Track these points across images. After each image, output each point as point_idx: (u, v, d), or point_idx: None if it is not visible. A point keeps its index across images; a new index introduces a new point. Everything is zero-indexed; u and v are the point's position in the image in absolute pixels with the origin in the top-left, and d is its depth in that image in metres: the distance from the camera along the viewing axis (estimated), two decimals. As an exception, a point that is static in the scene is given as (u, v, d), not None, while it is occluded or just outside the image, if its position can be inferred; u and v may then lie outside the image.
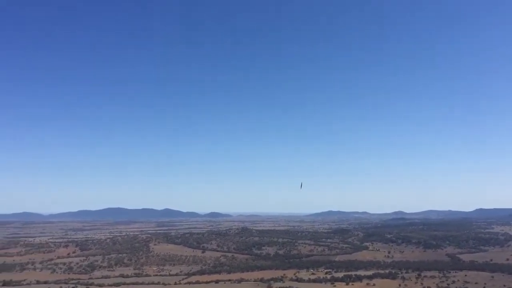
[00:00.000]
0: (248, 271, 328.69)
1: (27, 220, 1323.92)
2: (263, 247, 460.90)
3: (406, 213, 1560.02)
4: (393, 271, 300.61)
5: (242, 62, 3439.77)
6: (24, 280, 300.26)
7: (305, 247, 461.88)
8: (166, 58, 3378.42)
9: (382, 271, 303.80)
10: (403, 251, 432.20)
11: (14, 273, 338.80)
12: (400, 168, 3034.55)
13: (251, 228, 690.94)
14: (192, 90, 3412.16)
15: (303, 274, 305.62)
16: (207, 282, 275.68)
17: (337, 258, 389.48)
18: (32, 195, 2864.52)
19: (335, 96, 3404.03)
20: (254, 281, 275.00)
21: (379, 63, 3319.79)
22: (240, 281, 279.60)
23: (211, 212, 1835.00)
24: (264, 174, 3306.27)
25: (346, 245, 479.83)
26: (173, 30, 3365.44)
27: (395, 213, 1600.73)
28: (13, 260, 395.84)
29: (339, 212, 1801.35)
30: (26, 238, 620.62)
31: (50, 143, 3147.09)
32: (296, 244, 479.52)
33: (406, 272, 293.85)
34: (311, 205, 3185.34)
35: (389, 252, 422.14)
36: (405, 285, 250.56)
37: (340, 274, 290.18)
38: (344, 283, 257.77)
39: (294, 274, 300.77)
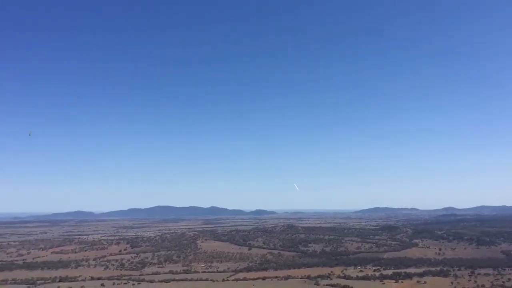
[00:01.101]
0: (294, 268, 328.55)
1: (81, 218, 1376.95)
2: (309, 244, 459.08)
3: (457, 209, 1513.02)
4: (445, 269, 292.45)
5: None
6: (79, 276, 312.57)
7: (352, 244, 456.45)
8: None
9: (433, 269, 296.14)
10: (455, 248, 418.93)
11: (69, 269, 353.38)
12: (451, 163, 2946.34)
13: (296, 225, 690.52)
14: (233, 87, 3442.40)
15: (351, 271, 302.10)
16: (254, 279, 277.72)
17: (385, 255, 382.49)
18: (85, 194, 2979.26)
19: (383, 90, 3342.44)
20: (301, 278, 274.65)
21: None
22: (287, 278, 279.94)
23: (257, 210, 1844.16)
24: (310, 171, 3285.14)
25: (395, 242, 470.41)
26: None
27: (446, 209, 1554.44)
28: (69, 257, 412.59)
29: (386, 209, 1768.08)
30: (80, 236, 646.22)
31: (101, 144, 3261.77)
32: (342, 241, 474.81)
33: (458, 270, 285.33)
34: (358, 202, 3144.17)
35: (440, 249, 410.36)
36: (458, 283, 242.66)
37: (389, 272, 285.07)
38: (393, 281, 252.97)
39: (342, 272, 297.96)
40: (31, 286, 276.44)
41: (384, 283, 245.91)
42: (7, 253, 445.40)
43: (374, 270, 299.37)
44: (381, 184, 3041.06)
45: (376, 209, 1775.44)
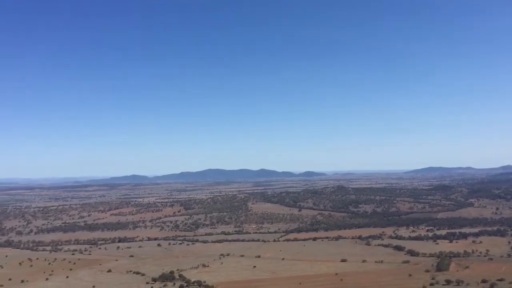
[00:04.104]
0: (345, 229, 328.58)
1: (136, 182, 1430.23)
2: (359, 205, 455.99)
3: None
4: (502, 228, 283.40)
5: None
6: (137, 236, 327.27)
7: (404, 204, 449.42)
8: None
9: (489, 228, 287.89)
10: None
11: (127, 230, 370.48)
12: (508, 118, 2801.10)
13: (347, 186, 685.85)
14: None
15: (403, 231, 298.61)
16: (305, 239, 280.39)
17: (439, 216, 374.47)
18: (140, 159, 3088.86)
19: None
20: (352, 239, 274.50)
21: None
22: (337, 238, 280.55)
23: (306, 171, 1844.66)
24: (360, 131, 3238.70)
25: (449, 202, 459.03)
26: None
27: (504, 167, 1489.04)
28: (126, 219, 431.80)
29: (440, 168, 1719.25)
30: (136, 199, 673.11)
31: (155, 110, 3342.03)
32: (394, 201, 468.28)
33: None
34: (410, 162, 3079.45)
35: (497, 209, 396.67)
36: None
37: (443, 232, 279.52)
38: (447, 241, 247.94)
39: (394, 232, 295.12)
40: (92, 246, 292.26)
41: (437, 243, 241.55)
42: (70, 215, 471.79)
43: (427, 230, 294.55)
44: (434, 143, 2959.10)
45: (429, 169, 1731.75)
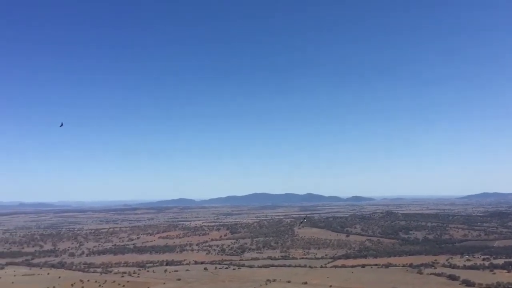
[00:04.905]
0: (395, 256, 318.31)
1: (183, 205, 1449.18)
2: (410, 232, 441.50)
3: None
4: None
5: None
6: (184, 260, 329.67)
7: (457, 231, 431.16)
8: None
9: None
10: None
11: (175, 253, 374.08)
12: None
13: (396, 211, 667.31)
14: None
15: (457, 260, 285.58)
16: (353, 266, 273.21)
17: (495, 244, 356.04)
18: (187, 183, 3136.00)
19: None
20: (402, 267, 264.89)
21: None
22: (387, 266, 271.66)
23: (353, 196, 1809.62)
24: (410, 155, 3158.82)
25: (506, 230, 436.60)
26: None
27: None
28: (174, 242, 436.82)
29: (495, 194, 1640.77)
30: (183, 222, 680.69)
31: (202, 136, 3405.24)
32: (447, 228, 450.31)
33: None
34: (464, 187, 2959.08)
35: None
36: None
37: (500, 261, 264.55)
38: (505, 271, 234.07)
39: (447, 260, 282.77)
40: (141, 268, 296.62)
41: (495, 273, 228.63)
42: (120, 238, 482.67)
43: (483, 259, 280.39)
44: (489, 168, 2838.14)
45: (484, 195, 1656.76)
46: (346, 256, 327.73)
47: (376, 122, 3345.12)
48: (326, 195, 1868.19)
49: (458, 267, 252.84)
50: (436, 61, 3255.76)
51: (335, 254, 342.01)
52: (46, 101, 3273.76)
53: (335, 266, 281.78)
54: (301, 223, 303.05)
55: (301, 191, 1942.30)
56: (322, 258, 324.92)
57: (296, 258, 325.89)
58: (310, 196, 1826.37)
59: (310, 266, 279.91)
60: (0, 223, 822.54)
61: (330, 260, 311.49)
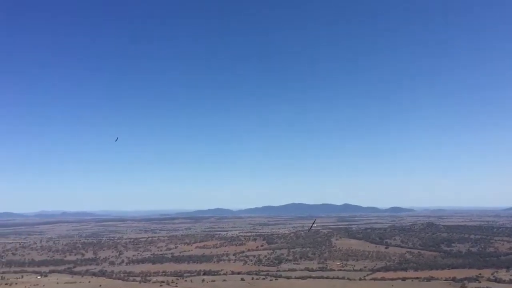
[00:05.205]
0: (437, 269, 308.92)
1: (220, 215, 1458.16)
2: (452, 244, 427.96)
3: None
4: None
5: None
6: (221, 270, 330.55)
7: (503, 244, 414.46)
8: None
9: None
10: None
11: (212, 263, 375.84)
12: None
13: (437, 223, 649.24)
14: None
15: (503, 274, 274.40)
16: (393, 279, 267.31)
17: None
18: (224, 193, 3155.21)
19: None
20: (445, 280, 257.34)
21: None
22: (429, 279, 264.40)
23: (392, 207, 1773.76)
24: (451, 164, 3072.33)
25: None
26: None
27: None
28: (211, 252, 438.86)
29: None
30: (220, 232, 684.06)
31: (238, 145, 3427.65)
32: (492, 241, 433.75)
33: None
34: (509, 198, 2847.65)
35: None
36: None
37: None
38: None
39: (492, 274, 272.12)
40: (179, 278, 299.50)
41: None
42: (158, 247, 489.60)
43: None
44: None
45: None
46: (386, 269, 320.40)
47: (416, 132, 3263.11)
48: (364, 205, 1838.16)
49: (504, 282, 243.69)
50: (487, 65, 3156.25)
51: (374, 266, 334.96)
52: (93, 114, 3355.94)
53: (374, 279, 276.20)
54: (310, 228, 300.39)
55: (338, 202, 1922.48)
56: (360, 270, 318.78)
57: (334, 270, 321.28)
58: (347, 207, 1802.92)
59: (348, 278, 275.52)
60: (44, 231, 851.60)
61: (369, 272, 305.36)
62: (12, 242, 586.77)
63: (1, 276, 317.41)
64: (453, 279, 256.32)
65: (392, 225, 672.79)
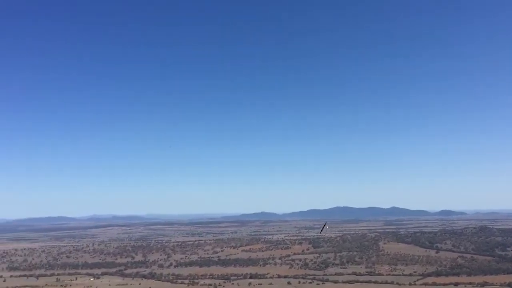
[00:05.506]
0: (491, 274, 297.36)
1: (265, 219, 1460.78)
2: (507, 248, 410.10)
3: None
4: None
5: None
6: (267, 273, 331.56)
7: None
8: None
9: None
10: None
11: (258, 267, 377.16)
12: None
13: (491, 227, 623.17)
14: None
15: None
16: (445, 284, 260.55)
17: None
18: (269, 196, 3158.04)
19: None
20: (500, 286, 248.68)
21: None
22: (483, 285, 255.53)
23: (442, 210, 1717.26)
24: (505, 166, 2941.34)
25: None
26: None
27: None
28: (257, 255, 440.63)
29: None
30: (265, 236, 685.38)
31: (282, 151, 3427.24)
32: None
33: None
34: None
35: None
36: None
37: None
38: None
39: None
40: (226, 281, 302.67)
41: None
42: (205, 250, 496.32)
43: None
44: None
45: None
46: (437, 274, 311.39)
47: (470, 133, 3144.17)
48: (412, 208, 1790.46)
49: None
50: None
51: (425, 271, 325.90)
52: (145, 120, 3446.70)
53: (425, 284, 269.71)
54: (321, 230, 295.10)
55: (385, 205, 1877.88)
56: (410, 275, 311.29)
57: (382, 274, 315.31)
58: (394, 210, 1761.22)
59: (397, 283, 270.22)
60: (96, 235, 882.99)
61: (419, 277, 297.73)
62: (67, 245, 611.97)
63: (57, 278, 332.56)
64: (509, 284, 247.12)
65: (443, 229, 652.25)
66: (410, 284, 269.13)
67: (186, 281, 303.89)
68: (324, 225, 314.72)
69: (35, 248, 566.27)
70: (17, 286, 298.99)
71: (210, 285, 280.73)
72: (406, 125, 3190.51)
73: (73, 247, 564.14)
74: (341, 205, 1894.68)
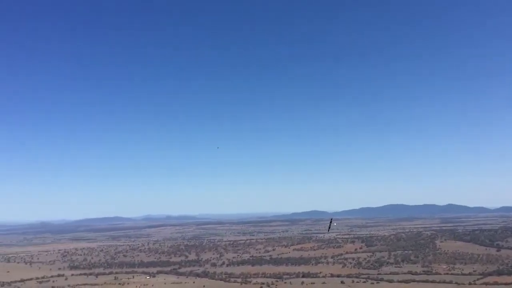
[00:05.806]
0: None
1: (316, 217, 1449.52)
2: None
3: None
4: None
5: None
6: (320, 272, 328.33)
7: None
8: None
9: None
10: None
11: (310, 266, 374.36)
12: None
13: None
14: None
15: None
16: (507, 284, 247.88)
17: None
18: (320, 194, 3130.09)
19: None
20: None
21: None
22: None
23: (504, 206, 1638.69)
24: None
25: None
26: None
27: None
28: (308, 254, 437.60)
29: None
30: (316, 234, 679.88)
31: (333, 150, 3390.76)
32: None
33: None
34: None
35: None
36: None
37: None
38: None
39: None
40: (278, 280, 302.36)
41: None
42: (256, 249, 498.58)
43: None
44: None
45: None
46: (498, 273, 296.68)
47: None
48: (470, 205, 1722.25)
49: None
50: None
51: (485, 270, 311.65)
52: (197, 124, 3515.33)
53: (486, 283, 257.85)
54: (329, 228, 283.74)
55: (441, 202, 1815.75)
56: (470, 274, 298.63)
57: (440, 274, 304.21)
58: (451, 207, 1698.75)
59: (456, 283, 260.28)
60: (150, 234, 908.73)
61: (479, 277, 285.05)
62: (123, 245, 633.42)
63: (115, 276, 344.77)
64: None
65: (504, 226, 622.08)
66: (470, 284, 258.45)
67: (239, 280, 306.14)
68: (331, 222, 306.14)
69: (94, 248, 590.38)
70: (78, 284, 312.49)
71: (263, 283, 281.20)
72: (463, 121, 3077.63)
73: (129, 247, 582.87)
74: (394, 202, 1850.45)
